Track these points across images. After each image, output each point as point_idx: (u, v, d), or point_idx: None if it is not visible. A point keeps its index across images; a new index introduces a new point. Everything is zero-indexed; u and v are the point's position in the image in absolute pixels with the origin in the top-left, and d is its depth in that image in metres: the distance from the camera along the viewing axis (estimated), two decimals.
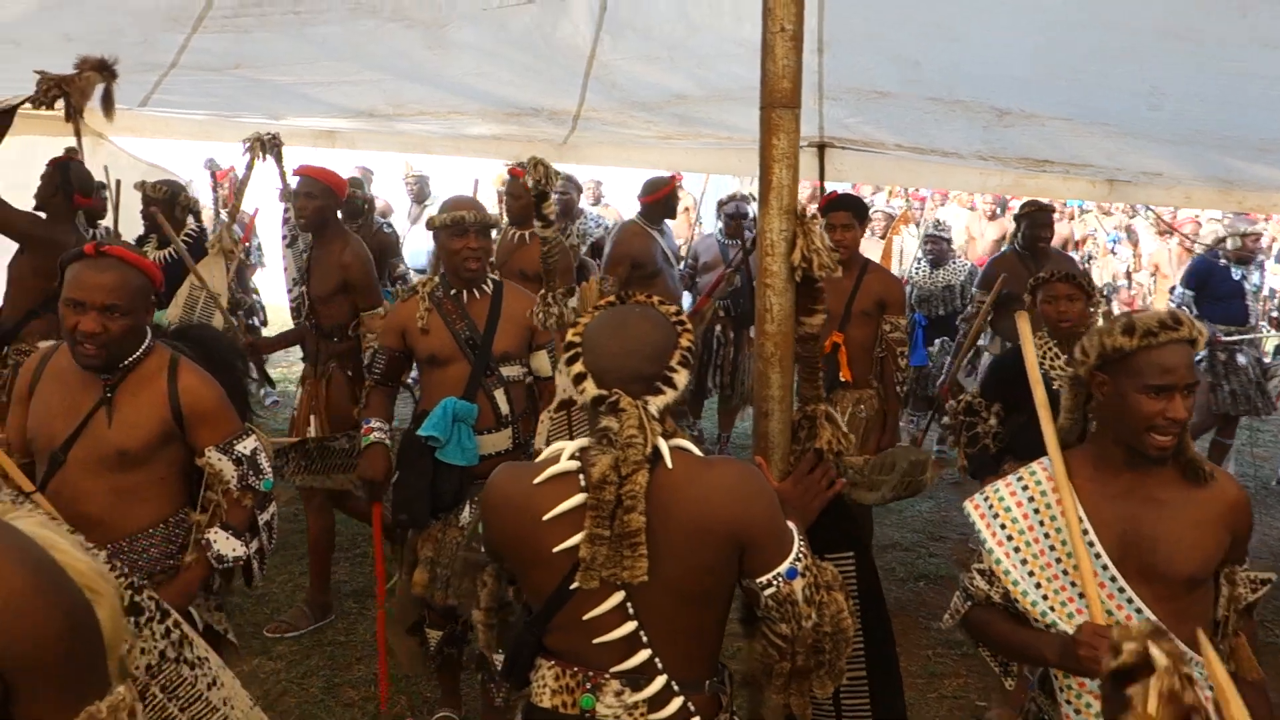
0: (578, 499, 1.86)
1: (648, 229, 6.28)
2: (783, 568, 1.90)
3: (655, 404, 1.89)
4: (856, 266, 4.90)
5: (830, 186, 6.41)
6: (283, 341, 5.24)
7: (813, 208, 4.33)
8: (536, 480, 1.91)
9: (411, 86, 5.09)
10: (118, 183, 5.58)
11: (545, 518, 1.87)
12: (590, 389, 1.91)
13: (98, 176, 6.20)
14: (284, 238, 5.96)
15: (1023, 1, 3.82)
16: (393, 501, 3.53)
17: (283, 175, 5.85)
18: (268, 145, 5.56)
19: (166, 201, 5.24)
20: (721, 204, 7.43)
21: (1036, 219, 6.07)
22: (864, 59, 4.56)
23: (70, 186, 4.86)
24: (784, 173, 2.28)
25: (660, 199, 6.35)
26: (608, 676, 1.90)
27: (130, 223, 6.50)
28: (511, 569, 2.04)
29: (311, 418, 4.73)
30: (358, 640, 4.31)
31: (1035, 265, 5.73)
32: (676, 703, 1.90)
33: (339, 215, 4.78)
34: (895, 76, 4.71)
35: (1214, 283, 7.04)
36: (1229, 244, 7.12)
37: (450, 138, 6.18)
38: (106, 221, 6.31)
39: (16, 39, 4.37)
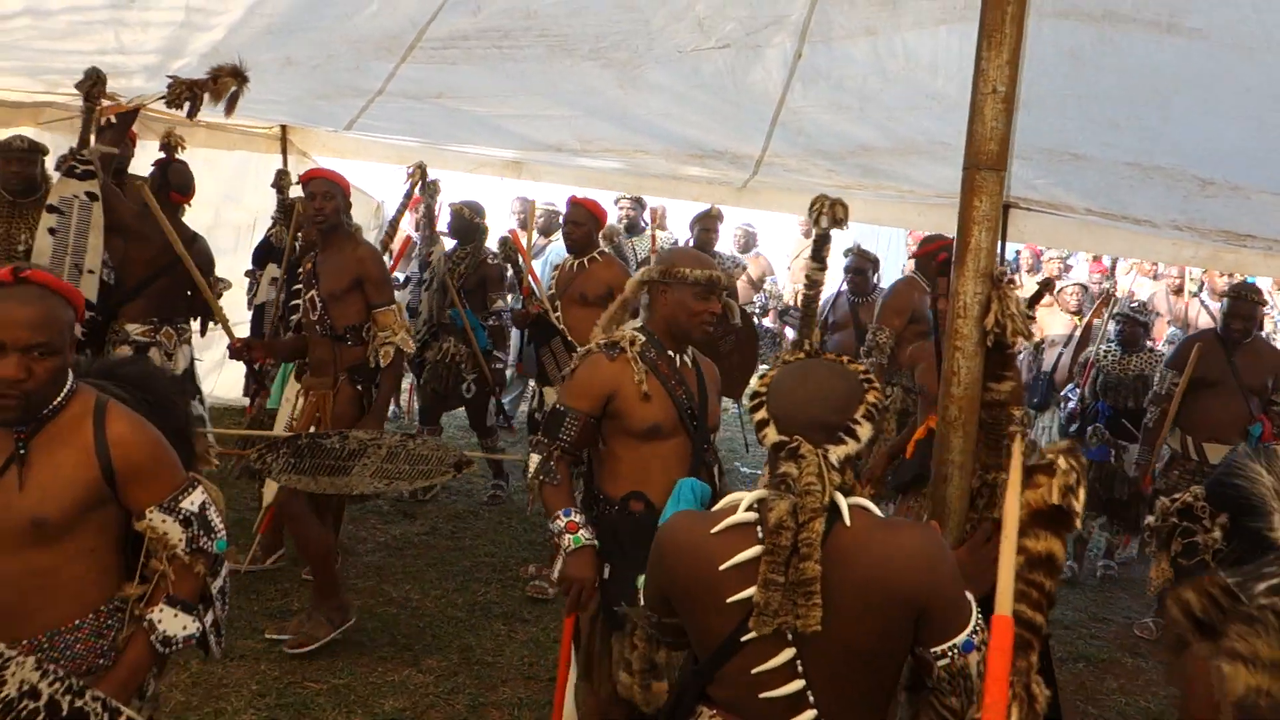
0: (754, 550, 1.85)
1: (922, 284, 6.18)
2: (959, 639, 1.86)
3: (836, 453, 1.88)
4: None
5: (1012, 248, 6.27)
6: (292, 347, 4.95)
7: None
8: (714, 530, 1.90)
9: (600, 124, 5.21)
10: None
11: (722, 568, 1.86)
12: (771, 435, 1.92)
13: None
14: (417, 276, 6.30)
15: (1236, 71, 3.67)
16: (609, 593, 3.07)
17: (434, 217, 6.21)
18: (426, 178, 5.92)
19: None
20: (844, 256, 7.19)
21: (1234, 307, 5.61)
22: (1060, 120, 4.45)
23: (169, 185, 5.19)
24: (983, 235, 2.24)
25: (927, 254, 6.25)
26: None
27: None
28: (681, 617, 2.02)
29: (313, 430, 4.48)
30: (505, 662, 4.39)
31: (1232, 352, 5.55)
32: None
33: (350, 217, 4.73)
34: (1092, 139, 4.58)
35: None
36: None
37: (629, 175, 6.29)
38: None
39: (241, 60, 4.67)
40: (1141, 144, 4.45)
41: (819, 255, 3.37)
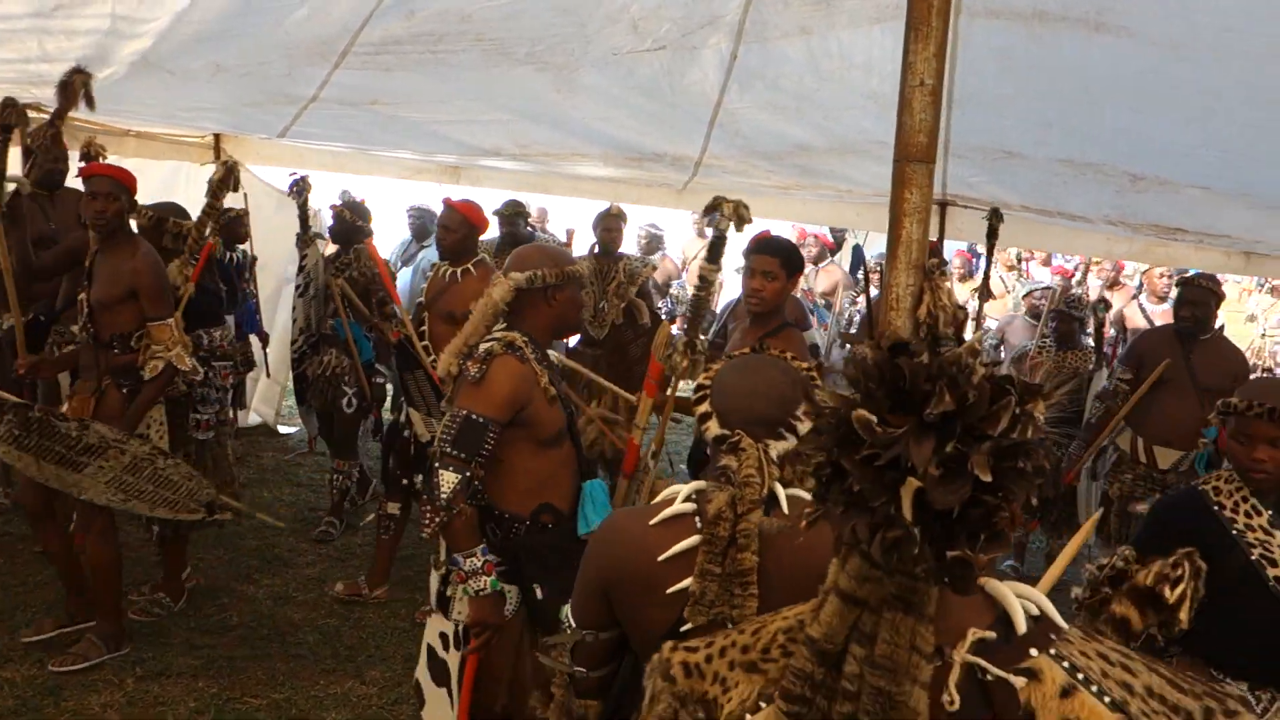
0: (693, 540, 1.84)
1: None
2: None
3: (776, 448, 1.88)
4: (767, 325, 4.06)
5: (953, 246, 6.33)
6: (66, 362, 4.60)
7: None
8: (652, 521, 1.89)
9: (538, 128, 5.18)
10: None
11: (661, 559, 1.85)
12: (714, 428, 1.93)
13: (235, 203, 6.48)
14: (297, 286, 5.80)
15: (1165, 69, 3.73)
16: (547, 615, 2.88)
17: (306, 218, 5.73)
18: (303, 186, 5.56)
19: (154, 229, 4.78)
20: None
21: (1183, 293, 5.37)
22: (994, 118, 4.50)
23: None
24: (914, 227, 2.23)
25: None
26: None
27: (262, 247, 6.77)
28: (621, 616, 1.97)
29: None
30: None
31: (1190, 349, 5.25)
32: None
33: (134, 221, 4.46)
34: (1025, 137, 4.64)
35: None
36: None
37: (569, 178, 6.27)
38: (242, 246, 6.59)
39: (171, 69, 4.59)
40: (1073, 141, 4.52)
41: (715, 256, 3.33)
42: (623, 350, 6.30)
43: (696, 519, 1.87)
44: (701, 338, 3.43)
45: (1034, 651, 1.14)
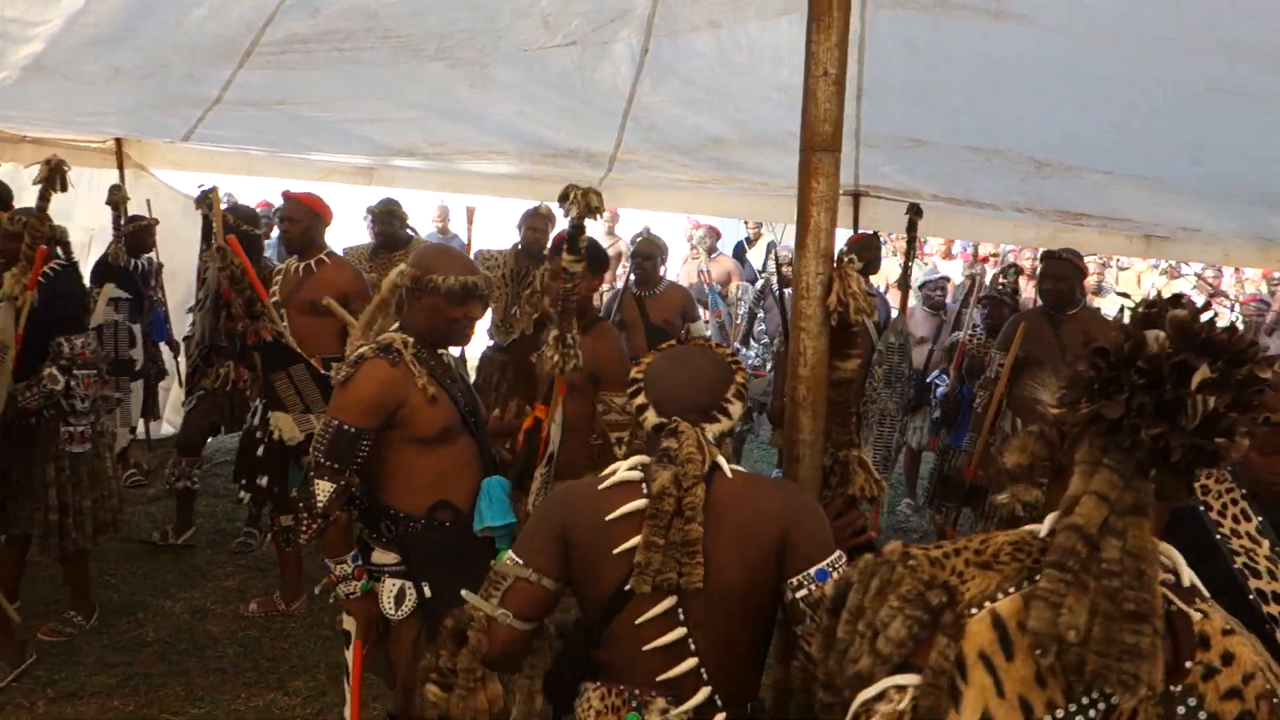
0: (640, 503, 1.95)
1: None
2: (814, 570, 1.92)
3: (711, 431, 2.01)
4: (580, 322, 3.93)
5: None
6: None
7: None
8: (601, 486, 2.02)
9: (451, 125, 5.13)
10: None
11: (608, 518, 1.96)
12: (651, 418, 2.05)
13: (140, 210, 6.31)
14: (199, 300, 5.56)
15: (1068, 56, 3.81)
16: (436, 614, 2.76)
17: (211, 229, 5.25)
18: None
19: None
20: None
21: (1044, 267, 5.30)
22: (902, 107, 4.57)
23: None
24: (822, 216, 2.27)
25: None
26: (654, 694, 1.95)
27: (170, 254, 6.60)
28: (575, 572, 2.04)
29: None
30: (376, 679, 4.27)
31: (1059, 325, 5.15)
32: (720, 718, 1.94)
33: None
34: (933, 125, 4.72)
35: None
36: None
37: (487, 177, 6.23)
38: (148, 254, 6.42)
39: (66, 73, 4.45)
40: (980, 128, 4.61)
41: (574, 247, 3.32)
42: (525, 354, 5.96)
43: (643, 485, 1.98)
44: (572, 336, 3.40)
45: (1197, 600, 1.38)
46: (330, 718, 3.93)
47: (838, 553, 1.97)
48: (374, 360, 2.86)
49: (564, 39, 4.30)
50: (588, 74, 4.50)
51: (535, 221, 6.30)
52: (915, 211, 5.56)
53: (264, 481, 4.77)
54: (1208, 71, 3.58)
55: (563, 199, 3.34)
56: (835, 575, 1.91)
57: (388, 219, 6.37)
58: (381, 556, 2.96)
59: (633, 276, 6.24)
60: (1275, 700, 1.31)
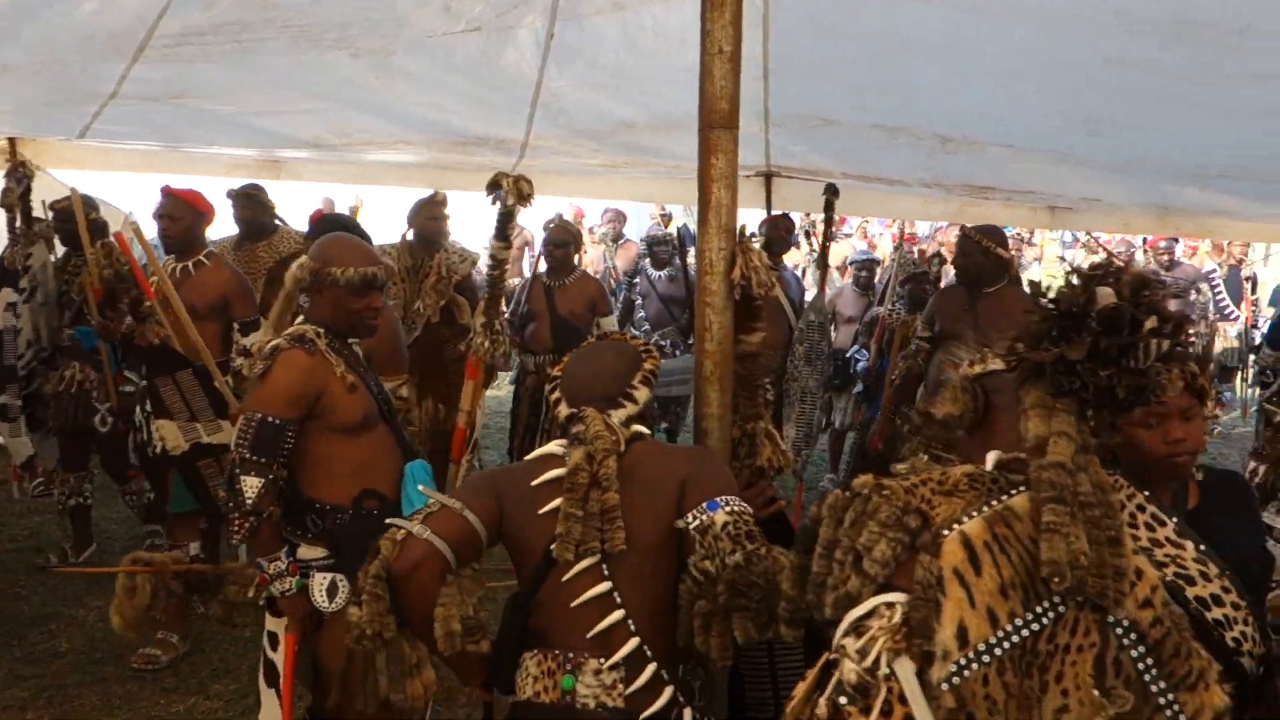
0: (562, 470, 2.10)
1: None
2: (705, 503, 2.02)
3: (617, 416, 2.17)
4: None
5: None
6: None
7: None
8: (528, 458, 2.21)
9: (357, 116, 5.05)
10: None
11: (534, 483, 2.11)
12: (563, 410, 2.23)
13: (36, 210, 6.10)
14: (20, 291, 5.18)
15: (970, 32, 3.88)
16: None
17: (18, 215, 5.20)
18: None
19: None
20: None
21: (958, 244, 5.40)
22: (808, 86, 4.60)
23: None
24: (723, 192, 2.29)
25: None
26: (586, 656, 2.02)
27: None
28: (507, 541, 2.17)
29: None
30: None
31: (976, 302, 5.23)
32: (650, 669, 2.02)
33: None
34: (839, 103, 4.76)
35: None
36: None
37: (398, 167, 6.14)
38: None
39: None
40: (885, 106, 4.66)
41: (503, 234, 3.34)
42: (438, 350, 5.78)
43: (565, 458, 2.13)
44: (500, 322, 3.41)
45: None
46: None
47: (735, 499, 2.05)
48: (290, 350, 2.85)
49: (467, 24, 4.25)
50: (493, 60, 4.46)
51: (430, 210, 6.05)
52: (832, 191, 5.63)
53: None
54: (1104, 45, 3.67)
55: (492, 187, 3.34)
56: (727, 508, 2.01)
57: (247, 202, 5.96)
58: (308, 552, 2.94)
59: (543, 265, 6.08)
60: (1175, 611, 1.53)
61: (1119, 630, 1.50)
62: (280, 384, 2.83)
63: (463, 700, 4.02)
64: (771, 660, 2.32)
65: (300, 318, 3.06)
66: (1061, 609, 1.48)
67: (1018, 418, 1.62)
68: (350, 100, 4.90)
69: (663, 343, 6.65)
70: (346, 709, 3.02)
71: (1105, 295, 1.52)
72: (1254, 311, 9.60)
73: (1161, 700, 1.50)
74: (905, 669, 1.43)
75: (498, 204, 3.30)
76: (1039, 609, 1.48)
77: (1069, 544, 1.44)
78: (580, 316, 6.00)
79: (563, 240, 6.12)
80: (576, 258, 6.35)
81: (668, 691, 2.03)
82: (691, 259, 10.35)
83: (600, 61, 4.53)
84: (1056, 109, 4.37)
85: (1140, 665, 1.50)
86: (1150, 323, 1.50)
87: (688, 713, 2.04)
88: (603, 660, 2.02)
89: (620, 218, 9.35)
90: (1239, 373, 9.47)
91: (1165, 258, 8.08)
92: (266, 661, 3.11)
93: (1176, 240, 8.56)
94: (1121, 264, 1.63)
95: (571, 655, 2.04)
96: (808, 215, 10.55)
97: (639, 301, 7.73)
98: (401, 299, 5.83)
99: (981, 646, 1.44)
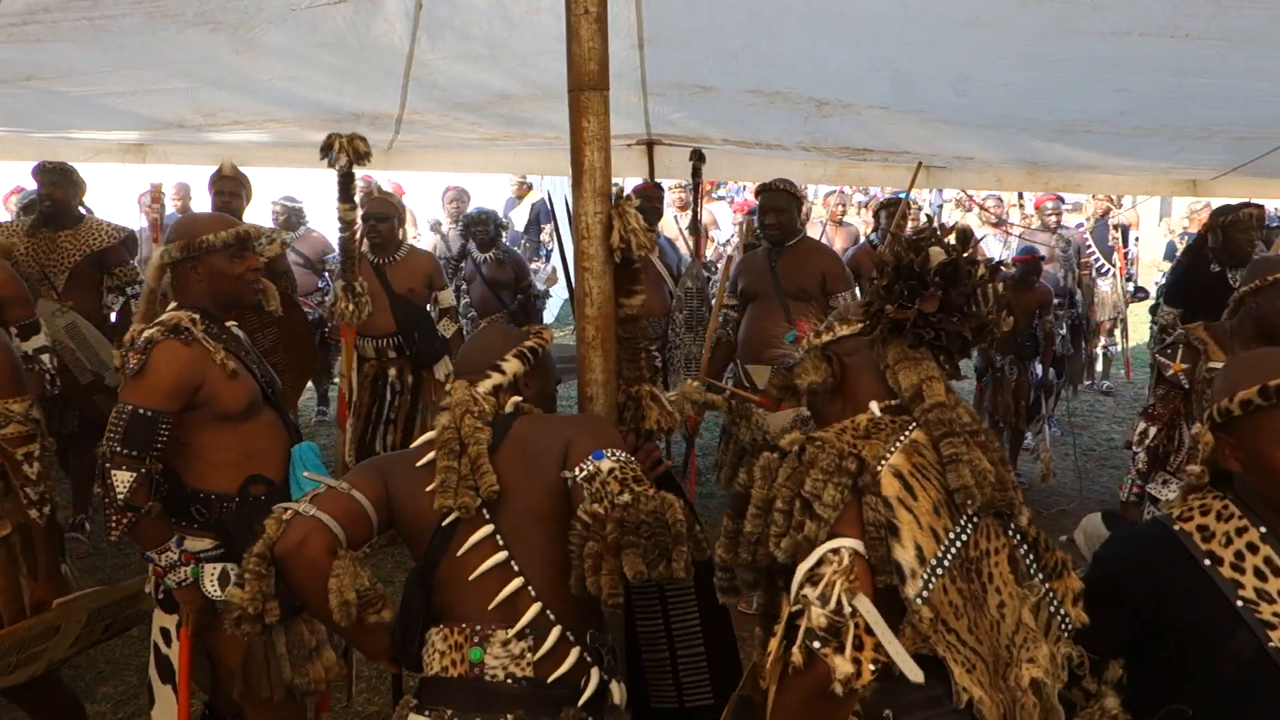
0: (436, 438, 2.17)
1: None
2: (590, 454, 2.05)
3: (482, 385, 2.23)
4: None
5: (664, 184, 6.46)
6: None
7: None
8: (413, 445, 2.26)
9: (221, 94, 4.87)
10: None
11: (419, 464, 2.15)
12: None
13: None
14: None
15: None
16: None
17: None
18: None
19: None
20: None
21: (761, 200, 5.27)
22: (685, 54, 4.60)
23: None
24: (596, 155, 2.27)
25: None
26: (493, 627, 2.03)
27: None
28: (399, 522, 2.17)
29: None
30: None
31: (776, 259, 5.19)
32: (555, 632, 2.02)
33: None
34: (716, 70, 4.77)
35: None
36: None
37: (272, 147, 5.96)
38: None
39: None
40: (761, 71, 4.69)
41: (346, 195, 3.29)
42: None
43: None
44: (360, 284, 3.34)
45: None
46: None
47: (623, 452, 2.08)
48: (165, 342, 2.75)
49: None
50: (361, 33, 4.34)
51: (222, 185, 5.63)
52: (698, 157, 5.68)
53: None
54: (967, 5, 3.74)
55: (325, 149, 3.26)
56: (613, 457, 2.03)
57: (59, 179, 5.43)
58: (195, 544, 2.85)
59: (366, 243, 5.60)
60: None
61: (1013, 533, 1.77)
62: (156, 376, 2.73)
63: (362, 685, 3.96)
64: (663, 597, 2.35)
65: (172, 305, 2.94)
66: (976, 519, 1.71)
67: (869, 374, 1.85)
68: (212, 78, 4.72)
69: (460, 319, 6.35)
70: (249, 700, 2.96)
71: (937, 254, 1.73)
72: (1127, 263, 9.61)
73: (1044, 589, 1.78)
74: (865, 603, 1.55)
75: (334, 167, 3.22)
76: (962, 522, 1.70)
77: (973, 467, 1.66)
78: (419, 294, 5.70)
79: (384, 214, 5.63)
80: (401, 232, 5.93)
81: (574, 653, 2.03)
82: (546, 236, 10.24)
83: (473, 33, 4.45)
84: (925, 70, 4.46)
85: (1027, 560, 1.76)
86: (980, 270, 1.73)
87: (594, 672, 2.04)
88: (509, 630, 2.01)
89: (463, 196, 8.77)
90: (1117, 326, 9.50)
91: (1053, 218, 8.24)
92: (160, 658, 3.01)
93: (1062, 200, 8.67)
94: (939, 226, 1.86)
95: (479, 628, 2.04)
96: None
97: (464, 286, 7.46)
98: None
99: (934, 561, 1.63)
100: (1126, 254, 9.56)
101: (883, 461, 1.68)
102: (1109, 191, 8.21)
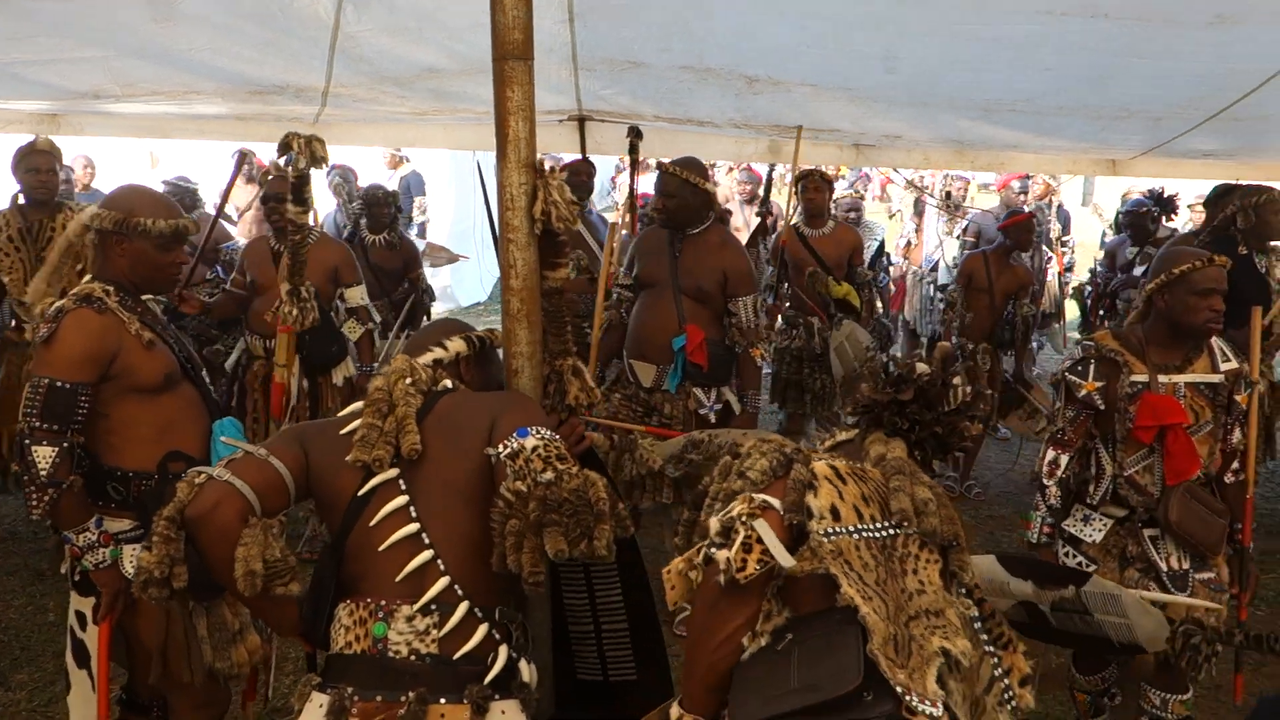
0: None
1: None
2: (516, 431, 2.02)
3: (421, 359, 2.25)
4: None
5: (595, 160, 6.43)
6: None
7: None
8: (340, 415, 2.23)
9: (140, 64, 4.73)
10: None
11: (342, 432, 2.12)
12: None
13: None
14: None
15: None
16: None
17: None
18: None
19: None
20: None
21: (658, 184, 4.65)
22: (616, 29, 4.57)
23: None
24: (520, 125, 2.25)
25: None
26: (399, 602, 1.99)
27: None
28: (317, 488, 2.14)
29: None
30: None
31: (679, 246, 4.59)
32: (462, 608, 1.99)
33: None
34: (647, 46, 4.75)
35: None
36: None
37: (192, 119, 5.81)
38: None
39: None
40: (691, 47, 4.68)
41: (300, 198, 3.22)
42: None
43: None
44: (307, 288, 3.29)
45: None
46: (60, 708, 3.65)
47: (549, 431, 2.06)
48: (77, 311, 2.67)
49: None
50: (285, 4, 4.24)
51: (29, 161, 5.10)
52: (635, 134, 5.64)
53: None
54: None
55: (283, 148, 3.20)
56: (538, 435, 2.01)
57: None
58: (114, 524, 2.78)
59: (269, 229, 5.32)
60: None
61: (961, 590, 1.89)
62: (68, 346, 2.65)
63: (289, 668, 3.91)
64: (587, 572, 2.35)
65: (87, 276, 2.86)
66: (911, 532, 1.85)
67: None
68: (130, 48, 4.59)
69: (373, 319, 5.58)
70: (169, 684, 2.90)
71: (922, 368, 2.00)
72: (1065, 252, 9.09)
73: (988, 648, 1.87)
74: (761, 524, 1.73)
75: (290, 166, 3.15)
76: (891, 523, 1.84)
77: (911, 497, 1.83)
78: (320, 288, 4.79)
79: (284, 195, 5.11)
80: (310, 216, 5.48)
81: (481, 629, 1.99)
82: (417, 211, 9.91)
83: (400, 5, 4.37)
84: (854, 48, 4.48)
85: (971, 614, 1.87)
86: (957, 380, 1.99)
87: (503, 650, 2.01)
88: (414, 605, 1.98)
89: (350, 174, 7.87)
90: (1055, 321, 8.73)
91: (1021, 197, 8.16)
92: (75, 642, 2.94)
93: (1026, 191, 8.53)
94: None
95: (384, 602, 2.00)
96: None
97: None
98: (20, 270, 5.00)
99: (851, 527, 1.78)
100: (1067, 242, 9.18)
101: (823, 459, 1.88)
102: (1031, 170, 8.29)
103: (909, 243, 9.40)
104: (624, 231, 6.00)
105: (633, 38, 4.69)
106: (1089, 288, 7.98)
